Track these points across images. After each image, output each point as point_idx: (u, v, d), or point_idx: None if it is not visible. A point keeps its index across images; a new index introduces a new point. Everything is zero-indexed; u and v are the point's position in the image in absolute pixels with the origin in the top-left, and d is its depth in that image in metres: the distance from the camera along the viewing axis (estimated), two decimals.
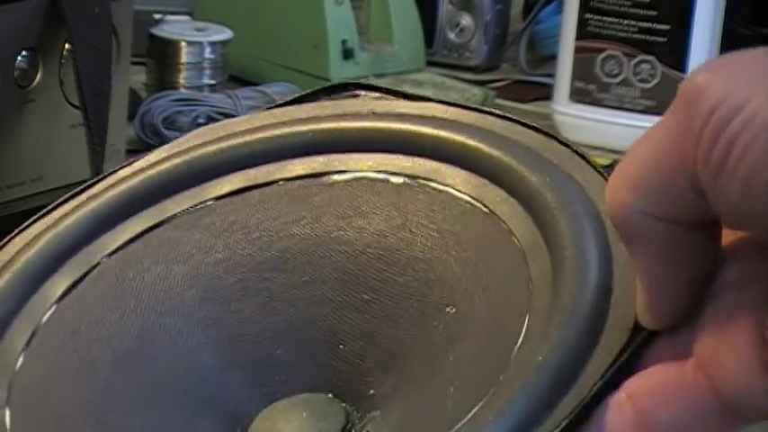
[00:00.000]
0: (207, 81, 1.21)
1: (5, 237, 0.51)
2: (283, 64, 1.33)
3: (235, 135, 0.49)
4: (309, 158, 0.48)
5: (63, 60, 0.88)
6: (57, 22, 0.86)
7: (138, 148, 1.10)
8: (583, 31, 1.26)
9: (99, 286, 0.46)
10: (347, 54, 1.30)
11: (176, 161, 0.49)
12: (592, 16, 1.25)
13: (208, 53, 1.20)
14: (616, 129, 1.25)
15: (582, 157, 0.44)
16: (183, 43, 1.20)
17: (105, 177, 0.50)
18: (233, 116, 1.14)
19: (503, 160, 0.44)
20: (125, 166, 0.50)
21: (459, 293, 0.43)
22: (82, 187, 0.51)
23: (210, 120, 1.14)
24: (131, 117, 1.06)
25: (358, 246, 0.46)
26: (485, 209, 0.44)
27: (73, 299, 0.46)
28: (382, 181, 0.47)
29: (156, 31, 1.21)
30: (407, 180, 0.46)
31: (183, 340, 0.46)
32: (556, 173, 0.43)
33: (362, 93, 0.50)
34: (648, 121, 1.23)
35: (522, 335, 0.39)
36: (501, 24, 1.51)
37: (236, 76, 1.29)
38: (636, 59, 1.24)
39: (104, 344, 0.45)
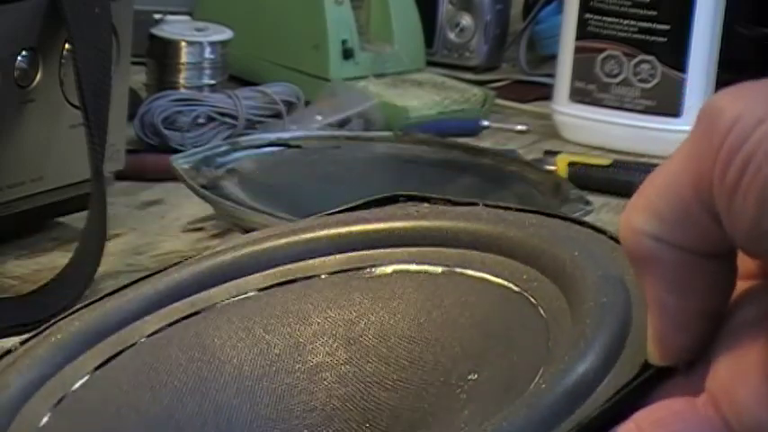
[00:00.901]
0: (207, 81, 1.21)
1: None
2: (283, 64, 1.33)
3: (294, 232, 0.52)
4: (345, 254, 0.51)
5: (63, 60, 0.88)
6: (57, 22, 0.86)
7: (138, 148, 1.10)
8: (583, 31, 1.26)
9: (134, 362, 0.48)
10: (347, 54, 1.30)
11: (228, 256, 0.51)
12: (592, 16, 1.25)
13: (208, 53, 1.20)
14: (616, 129, 1.25)
15: (609, 236, 0.45)
16: (183, 43, 1.20)
17: (176, 264, 0.53)
18: (233, 116, 1.14)
19: (534, 243, 0.46)
20: (198, 258, 0.53)
21: (483, 361, 0.44)
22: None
23: (210, 120, 1.14)
24: (131, 117, 1.06)
25: (388, 326, 0.48)
26: (515, 288, 0.46)
27: (107, 370, 0.48)
28: (420, 273, 0.49)
29: (156, 31, 1.21)
30: (445, 270, 0.48)
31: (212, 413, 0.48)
32: (583, 249, 0.44)
33: (410, 203, 0.53)
34: (648, 121, 1.23)
35: (535, 381, 0.40)
36: (501, 24, 1.51)
37: (236, 76, 1.29)
38: (636, 59, 1.24)
39: (132, 411, 0.47)
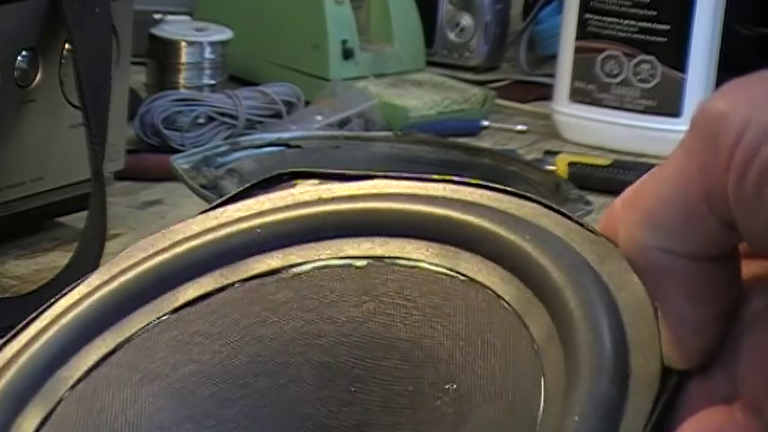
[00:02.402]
0: (207, 81, 1.21)
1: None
2: (283, 64, 1.33)
3: (179, 243, 0.46)
4: (264, 255, 0.45)
5: (63, 60, 0.88)
6: (57, 22, 0.86)
7: (138, 148, 1.10)
8: (583, 31, 1.26)
9: (67, 423, 0.44)
10: (347, 54, 1.30)
11: (123, 279, 0.46)
12: (592, 16, 1.25)
13: (208, 53, 1.20)
14: (616, 129, 1.25)
15: (555, 210, 0.42)
16: (183, 43, 1.20)
17: (56, 302, 0.47)
18: (233, 116, 1.14)
19: (473, 223, 0.42)
20: (74, 288, 0.48)
21: (456, 367, 0.41)
22: (30, 318, 0.47)
23: (210, 120, 1.14)
24: (131, 117, 1.06)
25: (332, 337, 0.44)
26: (462, 278, 0.42)
27: None
28: (345, 266, 0.44)
29: (156, 31, 1.21)
30: (372, 261, 0.44)
31: None
32: (534, 229, 0.41)
33: (299, 181, 0.48)
34: (648, 121, 1.23)
35: (543, 398, 0.38)
36: (501, 24, 1.51)
37: (236, 76, 1.29)
38: (636, 59, 1.24)
39: None
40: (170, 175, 0.95)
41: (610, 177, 1.11)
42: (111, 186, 0.94)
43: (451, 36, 1.51)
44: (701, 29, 1.22)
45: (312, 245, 0.45)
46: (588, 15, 1.25)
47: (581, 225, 0.41)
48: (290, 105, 1.19)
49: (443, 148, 0.99)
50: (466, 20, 1.50)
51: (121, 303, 0.46)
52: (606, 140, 1.25)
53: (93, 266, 0.83)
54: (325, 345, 0.44)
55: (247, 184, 0.49)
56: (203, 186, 0.88)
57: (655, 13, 1.23)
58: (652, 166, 1.15)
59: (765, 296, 0.35)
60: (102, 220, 0.85)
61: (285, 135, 1.00)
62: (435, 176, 0.45)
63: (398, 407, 0.43)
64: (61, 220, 0.95)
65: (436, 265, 0.43)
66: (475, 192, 0.44)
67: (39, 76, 0.87)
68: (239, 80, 1.30)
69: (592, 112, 1.27)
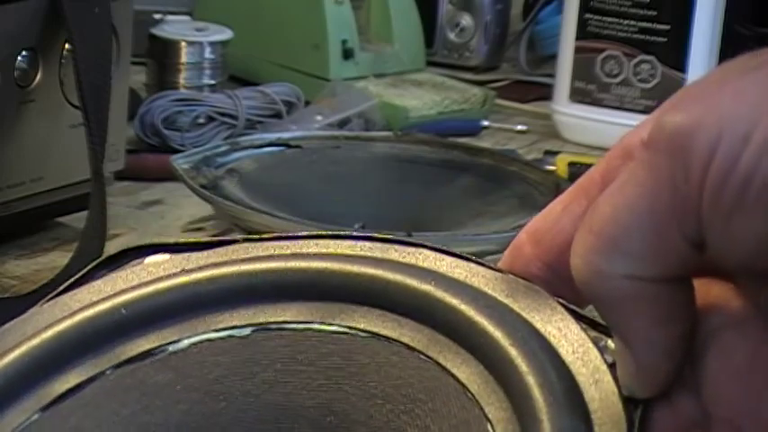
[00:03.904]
0: (207, 81, 1.21)
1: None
2: (283, 64, 1.33)
3: (29, 338, 0.42)
4: (133, 336, 0.41)
5: (63, 60, 0.88)
6: (57, 22, 0.86)
7: (138, 148, 1.10)
8: (583, 31, 1.26)
9: None
10: (347, 54, 1.30)
11: None
12: (592, 16, 1.25)
13: (208, 53, 1.20)
14: (616, 129, 1.25)
15: (451, 254, 0.40)
16: (183, 43, 1.20)
17: None
18: (233, 116, 1.14)
19: (361, 273, 0.39)
20: None
21: (378, 428, 0.39)
22: None
23: (210, 120, 1.14)
24: (131, 117, 1.06)
25: (227, 415, 0.40)
26: (363, 334, 0.39)
27: None
28: (226, 338, 0.41)
29: (156, 31, 1.21)
30: (256, 329, 0.40)
31: None
32: (434, 274, 0.39)
33: (149, 259, 0.44)
34: None
35: None
36: (501, 24, 1.51)
37: (236, 76, 1.29)
38: (636, 59, 1.24)
39: None
40: (170, 175, 0.95)
41: None
42: (111, 186, 0.94)
43: (451, 36, 1.51)
44: (701, 29, 1.22)
45: (185, 319, 0.41)
46: (588, 15, 1.25)
47: (483, 265, 0.39)
48: (290, 105, 1.19)
49: (443, 148, 0.99)
50: (466, 20, 1.50)
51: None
52: (606, 140, 1.25)
53: None
54: (220, 424, 0.40)
55: (89, 266, 0.44)
56: (203, 186, 0.88)
57: (655, 13, 1.23)
58: None
59: (723, 314, 0.34)
60: (102, 220, 0.85)
61: (285, 135, 1.00)
62: (304, 233, 0.42)
63: None
64: (61, 220, 0.95)
65: (329, 324, 0.40)
66: (353, 245, 0.41)
67: (39, 76, 0.87)
68: (239, 80, 1.30)
69: (592, 112, 1.27)
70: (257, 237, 0.43)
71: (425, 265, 0.39)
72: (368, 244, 0.41)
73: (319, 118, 1.17)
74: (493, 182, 0.94)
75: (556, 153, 1.15)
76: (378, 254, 0.40)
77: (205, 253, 0.43)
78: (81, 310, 0.42)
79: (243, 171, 0.92)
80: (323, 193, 0.93)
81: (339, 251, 0.41)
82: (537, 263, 0.38)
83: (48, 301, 0.44)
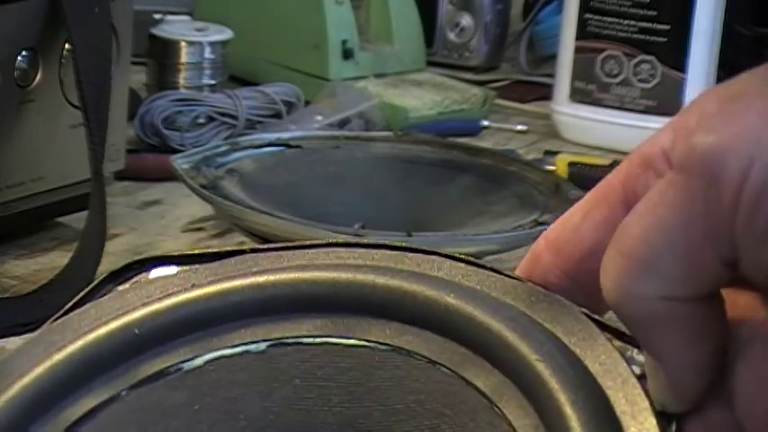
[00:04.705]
0: (207, 81, 1.21)
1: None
2: (283, 64, 1.33)
3: (49, 354, 0.40)
4: (147, 356, 0.40)
5: (63, 60, 0.88)
6: (57, 22, 0.86)
7: (138, 148, 1.10)
8: (583, 31, 1.26)
9: None
10: (347, 54, 1.30)
11: None
12: (592, 16, 1.25)
13: (208, 53, 1.20)
14: (616, 129, 1.25)
15: (472, 263, 0.39)
16: (183, 43, 1.20)
17: None
18: (233, 116, 1.14)
19: (378, 284, 0.38)
20: None
21: None
22: None
23: (210, 120, 1.14)
24: (131, 117, 1.06)
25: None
26: (383, 347, 0.38)
27: None
28: (242, 354, 0.40)
29: (156, 31, 1.21)
30: (272, 344, 0.40)
31: None
32: (454, 286, 0.38)
33: (155, 272, 0.43)
34: (648, 121, 1.23)
35: None
36: (501, 24, 1.51)
37: (236, 76, 1.29)
38: (636, 59, 1.24)
39: None
40: (170, 175, 0.95)
41: None
42: (111, 186, 0.94)
43: (451, 36, 1.51)
44: (701, 29, 1.22)
45: (198, 336, 0.40)
46: (588, 15, 1.25)
47: (500, 273, 0.38)
48: (290, 105, 1.19)
49: (443, 148, 0.99)
50: (466, 20, 1.50)
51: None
52: (606, 140, 1.25)
53: (94, 266, 0.83)
54: None
55: (95, 282, 0.43)
56: (203, 186, 0.88)
57: (655, 13, 1.23)
58: None
59: (751, 325, 0.35)
60: (102, 220, 0.85)
61: (285, 135, 1.00)
62: (314, 242, 0.41)
63: None
64: (61, 220, 0.95)
65: (347, 337, 0.39)
66: (366, 253, 0.40)
67: (39, 76, 0.87)
68: (239, 80, 1.30)
69: (592, 112, 1.27)
70: (265, 247, 0.42)
71: (441, 274, 0.39)
72: (381, 253, 0.40)
73: (319, 118, 1.17)
74: (493, 182, 0.94)
75: (556, 153, 1.15)
76: (392, 263, 0.39)
77: (213, 265, 0.42)
78: (92, 330, 0.40)
79: (243, 171, 0.92)
80: (323, 193, 0.93)
81: (352, 261, 0.40)
82: (556, 271, 0.38)
83: (56, 320, 0.42)
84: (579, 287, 0.38)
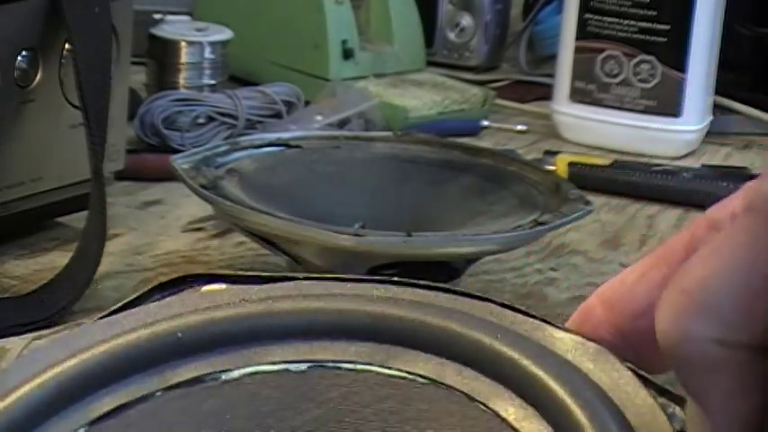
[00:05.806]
0: (207, 81, 1.21)
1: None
2: (283, 64, 1.33)
3: (87, 347, 0.40)
4: (186, 361, 0.40)
5: (63, 60, 0.88)
6: (57, 22, 0.86)
7: (138, 148, 1.10)
8: (583, 31, 1.26)
9: None
10: (347, 54, 1.30)
11: (24, 390, 0.40)
12: (592, 16, 1.25)
13: (208, 53, 1.20)
14: (616, 129, 1.25)
15: (516, 309, 0.40)
16: (183, 43, 1.20)
17: None
18: (233, 116, 1.14)
19: (427, 322, 0.38)
20: None
21: None
22: None
23: (210, 120, 1.14)
24: (131, 117, 1.06)
25: None
26: (422, 380, 0.38)
27: None
28: (281, 372, 0.40)
29: (156, 31, 1.21)
30: (313, 366, 0.40)
31: None
32: (499, 328, 0.38)
33: (206, 287, 0.43)
34: (648, 121, 1.23)
35: None
36: (501, 24, 1.51)
37: (236, 76, 1.29)
38: (636, 59, 1.24)
39: None
40: (170, 175, 0.95)
41: (610, 177, 1.11)
42: (111, 186, 0.94)
43: (451, 36, 1.51)
44: (701, 29, 1.22)
45: (240, 349, 0.41)
46: (588, 15, 1.25)
47: (550, 324, 0.39)
48: (289, 105, 1.19)
49: (443, 148, 0.99)
50: (466, 20, 1.50)
51: (29, 417, 0.39)
52: (606, 140, 1.25)
53: (94, 266, 0.83)
54: None
55: (144, 289, 0.44)
56: (203, 186, 0.88)
57: (655, 13, 1.23)
58: (652, 165, 1.14)
59: None
60: (102, 220, 0.85)
61: (285, 135, 1.00)
62: (367, 276, 0.42)
63: None
64: (61, 220, 0.95)
65: (388, 367, 0.39)
66: (417, 292, 0.41)
67: (39, 76, 0.87)
68: (239, 80, 1.30)
69: (592, 112, 1.27)
70: (318, 276, 0.42)
71: (491, 318, 0.39)
72: (434, 293, 0.40)
73: (319, 118, 1.17)
74: (493, 182, 0.94)
75: (556, 153, 1.15)
76: (444, 303, 0.40)
77: (264, 287, 0.42)
78: (137, 329, 0.41)
79: (243, 171, 0.92)
80: (323, 193, 0.93)
81: (406, 297, 0.40)
82: (608, 327, 0.38)
83: (101, 318, 0.43)
84: (629, 345, 0.37)
